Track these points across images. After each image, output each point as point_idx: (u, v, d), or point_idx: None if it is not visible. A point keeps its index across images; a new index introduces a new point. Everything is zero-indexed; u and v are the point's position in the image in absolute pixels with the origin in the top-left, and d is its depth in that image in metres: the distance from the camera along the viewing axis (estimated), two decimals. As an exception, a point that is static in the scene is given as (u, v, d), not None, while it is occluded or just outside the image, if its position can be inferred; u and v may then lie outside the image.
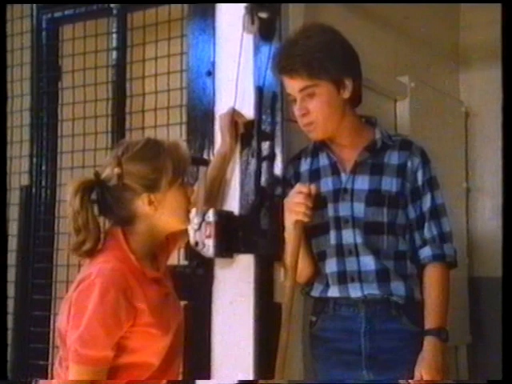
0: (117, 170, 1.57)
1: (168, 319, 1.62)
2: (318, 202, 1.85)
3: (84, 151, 2.37)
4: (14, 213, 2.46)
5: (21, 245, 2.48)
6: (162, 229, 1.67)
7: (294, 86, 1.81)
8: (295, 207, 1.73)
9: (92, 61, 2.41)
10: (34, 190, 2.49)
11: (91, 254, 1.59)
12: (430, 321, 1.77)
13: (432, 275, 1.82)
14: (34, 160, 2.50)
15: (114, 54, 2.38)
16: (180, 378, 1.75)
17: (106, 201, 1.60)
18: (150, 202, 1.59)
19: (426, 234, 1.84)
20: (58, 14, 2.51)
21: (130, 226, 1.62)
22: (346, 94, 1.81)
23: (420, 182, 1.85)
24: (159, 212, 1.61)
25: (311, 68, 1.76)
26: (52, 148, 2.50)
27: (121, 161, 1.58)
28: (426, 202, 1.84)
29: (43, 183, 2.49)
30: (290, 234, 1.77)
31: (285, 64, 1.81)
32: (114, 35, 2.37)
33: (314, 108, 1.80)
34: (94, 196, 1.61)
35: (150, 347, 1.58)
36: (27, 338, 2.41)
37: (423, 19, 2.96)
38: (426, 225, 1.84)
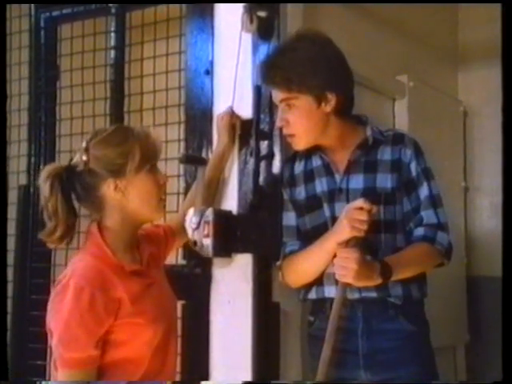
0: (84, 156, 1.57)
1: (152, 309, 1.60)
2: (312, 204, 1.85)
3: (82, 151, 2.37)
4: (11, 212, 2.45)
5: (19, 244, 2.48)
6: (134, 218, 1.64)
7: (275, 95, 1.83)
8: (357, 224, 1.67)
9: (90, 60, 2.41)
10: (31, 189, 2.49)
11: (62, 241, 1.58)
12: (390, 257, 1.72)
13: (415, 245, 1.78)
14: (32, 159, 2.50)
15: (113, 53, 2.37)
16: (177, 378, 1.74)
17: (74, 187, 1.60)
18: (116, 188, 1.58)
19: (423, 220, 1.81)
20: (56, 13, 2.51)
21: (102, 217, 1.61)
22: (328, 108, 1.79)
23: (414, 173, 1.83)
24: (128, 199, 1.60)
25: (290, 82, 1.76)
26: (50, 147, 2.49)
27: (88, 146, 1.58)
28: (423, 192, 1.82)
29: (41, 183, 2.49)
30: (348, 251, 1.69)
31: (267, 75, 1.83)
32: (113, 34, 2.37)
33: (294, 120, 1.80)
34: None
35: (137, 338, 1.57)
36: (25, 337, 2.41)
37: (422, 19, 2.97)
38: (423, 213, 1.81)
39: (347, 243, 1.69)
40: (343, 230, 1.70)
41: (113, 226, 1.61)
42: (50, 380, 2.16)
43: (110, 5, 2.36)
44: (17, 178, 2.54)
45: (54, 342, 1.51)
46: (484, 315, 3.12)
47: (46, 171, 1.59)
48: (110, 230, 1.61)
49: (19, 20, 2.58)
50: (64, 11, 2.49)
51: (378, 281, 1.70)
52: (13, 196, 2.50)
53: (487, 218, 3.24)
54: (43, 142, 2.50)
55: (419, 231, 1.81)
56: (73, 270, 1.53)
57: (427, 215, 1.81)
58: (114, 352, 1.54)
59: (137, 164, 1.58)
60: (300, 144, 1.84)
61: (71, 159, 1.62)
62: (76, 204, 1.63)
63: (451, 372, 3.07)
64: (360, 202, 1.68)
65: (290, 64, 1.77)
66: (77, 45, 2.45)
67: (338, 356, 1.79)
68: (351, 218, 1.68)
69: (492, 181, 3.17)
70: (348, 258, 1.66)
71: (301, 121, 1.80)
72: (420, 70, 2.93)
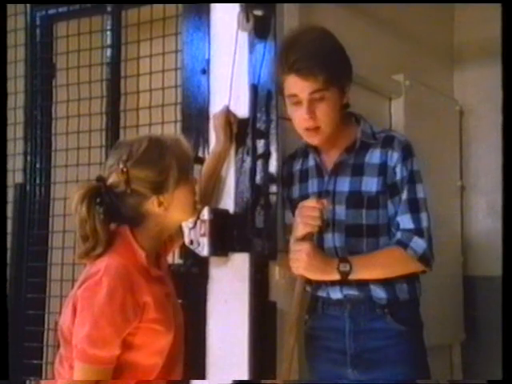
0: (124, 177, 1.56)
1: (170, 317, 1.63)
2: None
3: (78, 149, 2.37)
4: (7, 211, 2.45)
5: (15, 243, 2.47)
6: (171, 225, 1.69)
7: (304, 87, 1.74)
8: (310, 220, 1.71)
9: (86, 58, 2.40)
10: (28, 187, 2.49)
11: (100, 257, 1.57)
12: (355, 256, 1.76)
13: (386, 248, 1.79)
14: (28, 158, 2.50)
15: (109, 52, 2.37)
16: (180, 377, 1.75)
17: (113, 206, 1.59)
18: (160, 204, 1.60)
19: (401, 225, 1.79)
20: (52, 12, 2.50)
21: (138, 226, 1.62)
22: (345, 100, 1.81)
23: (399, 177, 1.80)
24: (169, 211, 1.61)
25: (329, 72, 1.72)
26: (46, 146, 2.49)
27: (127, 166, 1.57)
28: (404, 196, 1.80)
29: (37, 181, 2.49)
30: (301, 244, 1.74)
31: (303, 64, 1.72)
32: (109, 33, 2.37)
33: (322, 113, 1.76)
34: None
35: (154, 344, 1.58)
36: (21, 337, 2.41)
37: (418, 18, 2.97)
38: (399, 218, 1.79)
39: (303, 239, 1.74)
40: (298, 227, 1.75)
41: (147, 232, 1.63)
42: (47, 378, 2.16)
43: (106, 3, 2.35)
44: (13, 176, 2.53)
45: (78, 336, 1.50)
46: (480, 314, 3.13)
47: (80, 192, 1.56)
48: (142, 235, 1.62)
49: (15, 18, 2.57)
50: (60, 9, 2.48)
51: (335, 276, 1.74)
52: (9, 194, 2.50)
53: (483, 216, 3.25)
54: (39, 141, 2.49)
55: (397, 235, 1.80)
56: (106, 267, 1.52)
57: (402, 220, 1.79)
58: (128, 354, 1.55)
59: (176, 178, 1.60)
60: (320, 138, 1.81)
61: (101, 178, 1.60)
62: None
63: (447, 370, 3.08)
64: (312, 202, 1.73)
65: (327, 52, 1.74)
66: (73, 43, 2.45)
67: (326, 353, 1.84)
68: (303, 215, 1.73)
69: (488, 179, 3.17)
70: (299, 251, 1.73)
71: (328, 113, 1.77)
72: (416, 69, 2.93)
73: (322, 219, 1.72)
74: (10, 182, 2.53)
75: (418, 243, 1.77)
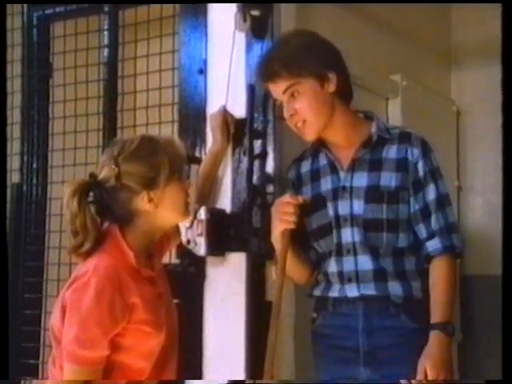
0: (115, 171, 1.57)
1: (161, 319, 1.62)
2: (317, 204, 1.85)
3: (75, 149, 2.37)
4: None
5: (12, 243, 2.47)
6: (162, 225, 1.68)
7: (277, 89, 1.81)
8: (285, 216, 1.75)
9: (83, 58, 2.40)
10: (24, 187, 2.49)
11: (90, 254, 1.58)
12: (436, 314, 1.74)
13: (441, 267, 1.79)
14: (25, 158, 2.50)
15: (106, 52, 2.37)
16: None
17: (104, 202, 1.60)
18: (150, 200, 1.60)
19: (434, 225, 1.80)
20: (48, 11, 2.50)
21: (128, 225, 1.62)
22: (331, 88, 1.80)
23: (421, 173, 1.81)
24: (159, 208, 1.62)
25: (290, 67, 1.77)
26: (43, 146, 2.49)
27: (118, 161, 1.58)
28: (430, 193, 1.81)
29: (34, 181, 2.48)
30: (278, 242, 1.79)
31: (265, 70, 1.82)
32: (106, 33, 2.37)
33: (301, 106, 1.79)
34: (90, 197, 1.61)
35: (143, 345, 1.58)
36: (18, 336, 2.40)
37: (415, 18, 2.97)
38: (434, 216, 1.80)
39: (282, 238, 1.75)
40: (274, 224, 1.77)
41: (137, 231, 1.63)
42: (44, 378, 2.16)
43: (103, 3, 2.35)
44: (9, 176, 2.53)
45: (67, 337, 1.51)
46: (477, 313, 3.13)
47: (71, 187, 1.58)
48: (132, 234, 1.62)
49: (11, 18, 2.57)
50: (57, 9, 2.48)
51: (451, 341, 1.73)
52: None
53: (480, 216, 3.26)
54: (36, 141, 2.49)
55: (435, 244, 1.80)
56: (94, 268, 1.53)
57: (437, 218, 1.80)
58: (117, 354, 1.55)
59: (168, 175, 1.61)
60: (311, 131, 1.82)
61: (93, 174, 1.62)
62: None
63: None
64: (286, 197, 1.76)
65: (286, 53, 1.79)
66: (70, 43, 2.44)
67: (337, 352, 1.84)
68: (279, 211, 1.76)
69: (485, 180, 3.18)
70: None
71: (309, 105, 1.79)
72: (413, 69, 2.93)
73: (297, 215, 1.74)
74: (6, 182, 2.53)
75: (458, 239, 1.81)
